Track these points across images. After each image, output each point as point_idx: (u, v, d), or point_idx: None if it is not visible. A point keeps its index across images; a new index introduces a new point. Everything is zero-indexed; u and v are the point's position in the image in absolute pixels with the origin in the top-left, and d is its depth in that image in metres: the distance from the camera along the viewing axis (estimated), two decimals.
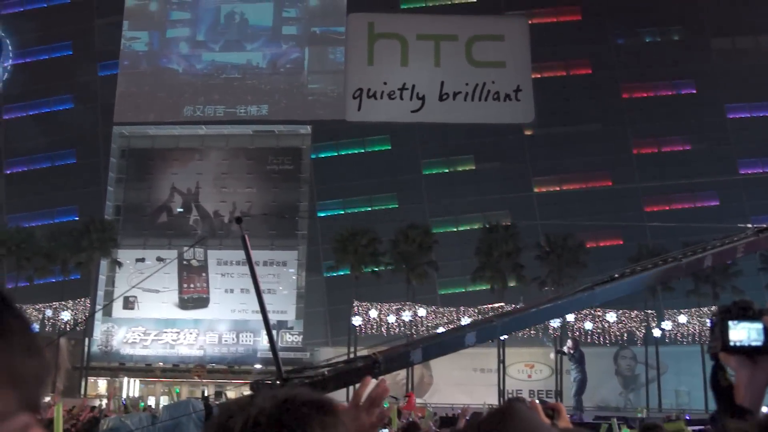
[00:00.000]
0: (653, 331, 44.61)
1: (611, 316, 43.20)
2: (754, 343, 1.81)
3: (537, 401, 2.59)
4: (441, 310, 46.37)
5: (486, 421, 0.98)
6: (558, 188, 56.75)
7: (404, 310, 45.33)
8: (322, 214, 55.35)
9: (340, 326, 49.07)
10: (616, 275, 9.80)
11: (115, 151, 58.28)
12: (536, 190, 56.23)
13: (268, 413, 1.35)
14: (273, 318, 51.99)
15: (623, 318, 44.22)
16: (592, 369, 38.33)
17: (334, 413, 1.39)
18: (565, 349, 27.30)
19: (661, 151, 56.76)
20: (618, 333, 44.82)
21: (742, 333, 1.82)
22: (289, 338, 53.12)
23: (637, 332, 45.11)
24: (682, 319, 44.02)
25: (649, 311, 43.64)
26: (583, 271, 46.40)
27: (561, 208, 52.23)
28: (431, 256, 48.41)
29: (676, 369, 45.45)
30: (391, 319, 45.30)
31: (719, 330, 1.85)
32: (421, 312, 45.48)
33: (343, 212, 55.33)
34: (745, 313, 1.84)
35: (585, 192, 55.29)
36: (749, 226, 11.84)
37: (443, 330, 44.08)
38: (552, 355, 44.96)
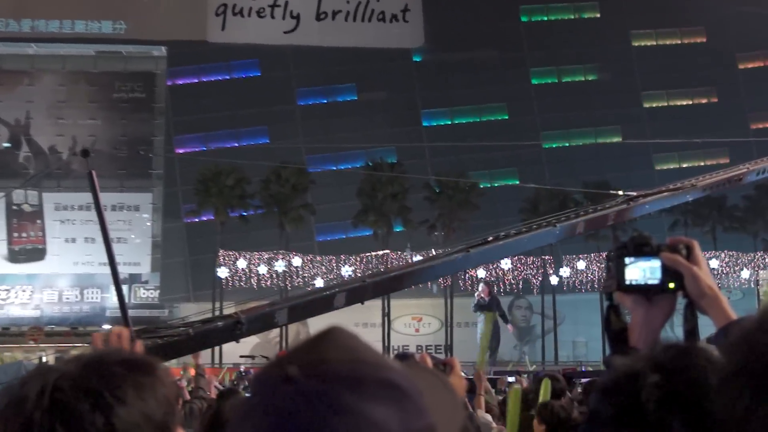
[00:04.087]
0: (550, 278, 46.36)
1: (506, 263, 44.55)
2: (650, 282, 1.88)
3: (426, 354, 2.63)
4: (319, 259, 46.50)
5: (302, 347, 1.02)
6: (450, 122, 57.56)
7: (277, 260, 45.19)
8: (181, 151, 54.14)
9: (204, 279, 48.56)
10: (490, 238, 10.35)
11: None
12: (426, 124, 56.80)
13: (73, 376, 1.31)
14: (124, 271, 50.69)
15: (519, 265, 45.67)
16: (477, 317, 39.74)
17: (153, 373, 1.38)
18: (476, 297, 27.03)
19: (561, 82, 58.38)
20: (513, 281, 46.30)
21: (639, 271, 1.89)
22: (144, 294, 52.50)
23: (534, 280, 46.77)
24: (581, 265, 45.86)
25: (546, 257, 45.23)
26: (475, 213, 47.55)
27: (452, 143, 53.05)
28: (307, 198, 48.34)
29: (573, 318, 47.54)
30: (262, 270, 45.10)
31: (615, 268, 1.92)
32: (297, 261, 45.47)
33: (205, 148, 54.37)
34: (642, 250, 1.90)
35: (480, 126, 56.32)
36: (620, 193, 12.63)
37: (321, 282, 44.44)
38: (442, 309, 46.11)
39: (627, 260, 1.90)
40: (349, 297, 8.84)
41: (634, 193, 12.13)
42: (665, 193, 12.29)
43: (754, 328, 1.21)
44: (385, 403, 0.97)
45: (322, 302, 8.78)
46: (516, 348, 48.95)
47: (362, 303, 9.76)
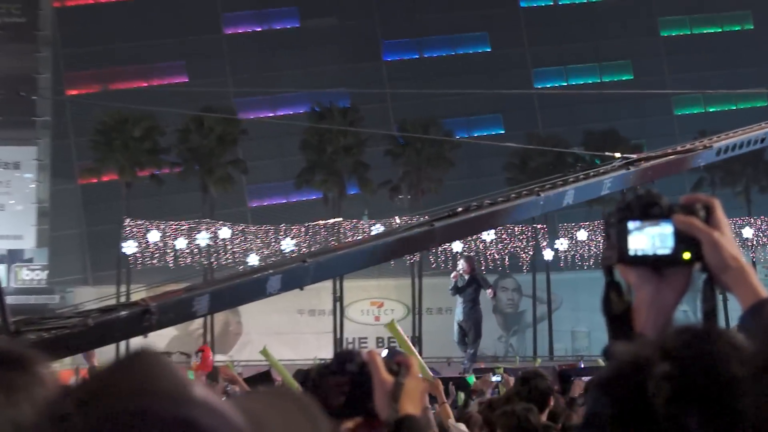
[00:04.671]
0: (544, 252, 46.63)
1: (488, 234, 44.74)
2: (660, 252, 1.88)
3: (376, 351, 2.71)
4: (253, 229, 46.42)
5: (95, 375, 1.04)
6: (417, 55, 57.48)
7: (199, 231, 45.04)
8: (74, 92, 53.49)
9: (105, 256, 48.33)
10: (459, 209, 10.50)
11: None
12: (387, 58, 56.65)
13: None
14: (1, 246, 50.15)
15: (504, 236, 45.90)
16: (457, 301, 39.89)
17: (29, 371, 1.39)
18: (453, 273, 26.63)
19: (557, 4, 58.44)
20: (498, 256, 46.56)
21: (646, 238, 1.89)
22: (28, 275, 52.20)
23: (523, 254, 47.05)
24: (582, 235, 46.12)
25: (539, 226, 45.52)
26: (450, 171, 47.64)
27: (421, 83, 53.02)
28: (237, 152, 48.18)
29: (572, 303, 47.97)
30: (181, 244, 44.91)
31: (616, 235, 1.92)
32: (225, 233, 45.33)
33: (105, 89, 53.74)
34: (650, 212, 1.90)
35: (455, 61, 56.33)
36: (617, 155, 12.80)
37: (256, 259, 44.39)
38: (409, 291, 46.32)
39: (631, 225, 1.90)
40: (285, 281, 8.93)
41: (634, 156, 12.41)
42: (672, 157, 12.50)
43: None
44: None
45: (252, 287, 8.86)
46: (501, 340, 49.40)
47: (301, 289, 9.76)
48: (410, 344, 9.26)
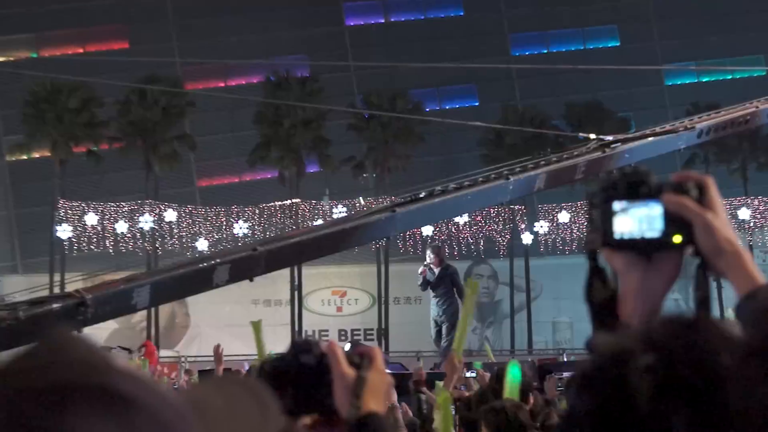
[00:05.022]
0: (522, 236, 46.76)
1: (461, 216, 44.79)
2: (648, 235, 1.89)
3: (336, 342, 2.73)
4: (202, 211, 46.32)
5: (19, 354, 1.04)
6: (383, 20, 57.37)
7: (142, 214, 44.89)
8: (2, 59, 52.97)
9: (37, 241, 48.11)
10: (423, 194, 10.69)
11: None
12: (350, 22, 56.52)
13: None
14: None
15: (478, 218, 45.98)
16: (429, 295, 39.72)
17: None
18: (421, 268, 26.07)
19: None
20: (471, 240, 46.65)
21: (633, 220, 1.90)
22: None
23: (499, 238, 47.17)
24: (564, 217, 46.31)
25: (517, 207, 45.66)
26: (420, 147, 47.65)
27: (387, 50, 52.93)
28: (184, 126, 48.01)
29: (553, 291, 48.09)
30: (122, 227, 44.76)
31: (600, 216, 1.93)
32: (170, 215, 45.20)
33: (36, 55, 53.55)
34: (638, 191, 1.90)
35: (425, 25, 56.32)
36: (591, 137, 12.97)
37: (205, 244, 44.28)
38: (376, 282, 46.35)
39: (616, 206, 1.90)
40: (233, 271, 8.97)
41: (610, 137, 12.62)
42: (650, 139, 12.73)
43: None
44: (97, 418, 0.97)
45: (197, 278, 8.87)
46: (476, 332, 49.44)
47: (251, 280, 9.78)
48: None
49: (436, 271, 24.76)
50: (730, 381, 1.21)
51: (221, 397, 1.17)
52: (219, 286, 8.95)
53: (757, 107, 13.79)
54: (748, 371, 1.19)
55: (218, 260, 9.08)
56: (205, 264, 9.15)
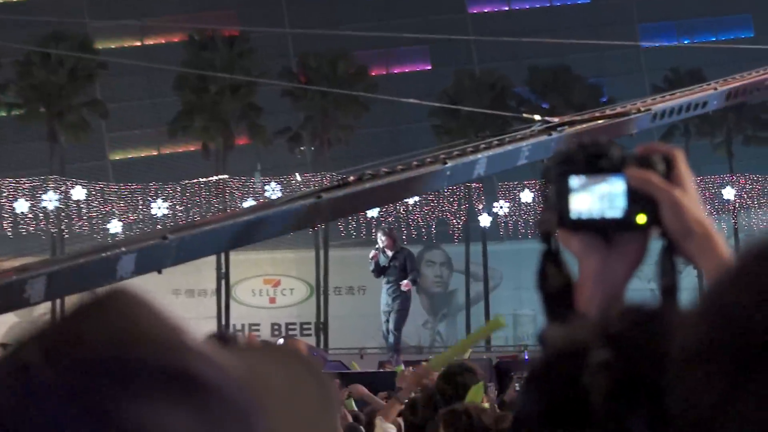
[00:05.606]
0: (479, 218, 46.81)
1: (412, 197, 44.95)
2: (609, 214, 1.88)
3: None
4: (115, 188, 46.13)
5: (62, 321, 1.06)
6: None
7: (46, 190, 44.70)
8: None
9: None
10: (351, 179, 10.89)
11: None
12: None
13: None
14: None
15: (431, 198, 45.76)
16: (376, 285, 39.41)
17: None
18: (372, 252, 25.97)
19: None
20: (422, 222, 46.50)
21: (592, 197, 1.88)
22: None
23: (454, 220, 47.15)
24: (526, 196, 46.27)
25: (473, 185, 45.55)
26: (364, 117, 47.65)
27: (328, 6, 52.89)
28: (95, 92, 47.83)
29: (514, 280, 47.75)
30: (22, 206, 44.53)
31: (555, 193, 1.90)
32: (79, 193, 44.95)
33: None
34: (598, 164, 1.89)
35: None
36: (536, 118, 13.24)
37: (119, 226, 44.05)
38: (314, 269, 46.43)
39: (574, 181, 1.88)
40: (140, 261, 9.00)
41: (556, 120, 12.73)
42: (600, 122, 12.88)
43: (729, 282, 1.18)
44: (169, 405, 0.98)
45: (99, 269, 8.92)
46: (427, 326, 49.45)
47: (159, 272, 9.78)
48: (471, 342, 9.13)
49: (390, 254, 24.68)
50: (674, 383, 1.18)
51: (283, 372, 1.19)
52: (123, 279, 8.81)
53: (715, 89, 14.07)
54: (693, 374, 1.14)
55: (123, 249, 9.04)
56: (108, 253, 9.08)
